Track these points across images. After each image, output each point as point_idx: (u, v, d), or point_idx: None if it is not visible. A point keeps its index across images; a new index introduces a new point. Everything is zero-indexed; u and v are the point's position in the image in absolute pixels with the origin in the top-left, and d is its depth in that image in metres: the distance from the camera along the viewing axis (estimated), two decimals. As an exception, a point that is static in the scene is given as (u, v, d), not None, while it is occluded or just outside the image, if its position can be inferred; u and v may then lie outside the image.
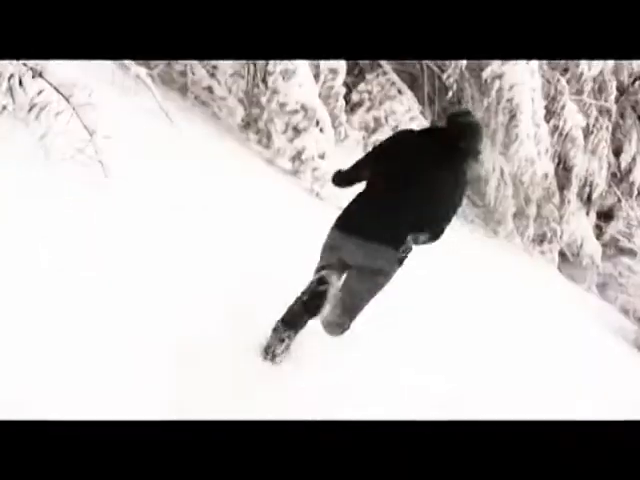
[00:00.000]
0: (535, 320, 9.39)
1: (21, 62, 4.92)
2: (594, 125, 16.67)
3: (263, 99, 9.64)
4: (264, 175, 8.85)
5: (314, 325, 4.69)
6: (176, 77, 9.94)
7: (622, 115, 18.51)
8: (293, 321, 4.62)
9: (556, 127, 15.25)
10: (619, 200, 18.65)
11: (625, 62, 16.51)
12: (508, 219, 15.20)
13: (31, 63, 4.94)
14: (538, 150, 14.11)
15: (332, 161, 9.55)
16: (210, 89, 10.12)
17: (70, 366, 3.44)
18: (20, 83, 5.08)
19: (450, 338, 6.53)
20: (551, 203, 16.35)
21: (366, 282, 4.51)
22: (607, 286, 16.94)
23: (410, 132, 4.76)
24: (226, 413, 3.57)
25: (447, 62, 13.56)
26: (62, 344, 3.51)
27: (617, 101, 17.57)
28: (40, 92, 5.10)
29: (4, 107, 4.99)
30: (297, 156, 9.45)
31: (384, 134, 13.11)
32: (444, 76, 13.75)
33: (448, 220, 4.53)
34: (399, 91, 13.64)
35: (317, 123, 9.40)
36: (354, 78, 14.05)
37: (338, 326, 4.70)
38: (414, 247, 4.50)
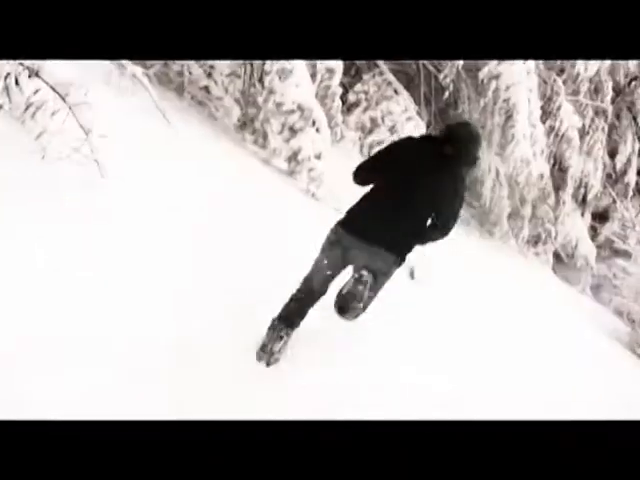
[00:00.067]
0: (529, 322, 9.39)
1: (17, 61, 4.91)
2: (590, 126, 16.68)
3: (259, 99, 9.62)
4: (260, 175, 8.84)
5: (314, 326, 4.71)
6: (173, 77, 9.91)
7: (618, 116, 18.53)
8: (290, 318, 4.69)
9: (552, 128, 15.25)
10: (614, 201, 18.68)
11: (621, 63, 16.51)
12: (503, 220, 15.20)
13: (27, 62, 4.93)
14: (534, 151, 14.11)
15: (328, 161, 9.55)
16: (207, 89, 10.10)
17: (69, 367, 3.45)
18: (16, 82, 5.08)
19: (445, 339, 6.54)
20: (546, 204, 16.34)
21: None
22: (601, 288, 16.95)
23: (412, 139, 4.85)
24: (225, 413, 3.57)
25: (443, 62, 13.55)
26: (60, 344, 3.51)
27: (613, 102, 17.58)
28: (36, 91, 5.09)
29: (0, 106, 4.99)
30: (293, 156, 9.43)
31: (380, 134, 13.12)
32: (440, 76, 13.72)
33: (448, 227, 4.75)
34: (395, 91, 13.62)
35: (313, 123, 9.39)
36: (351, 78, 14.04)
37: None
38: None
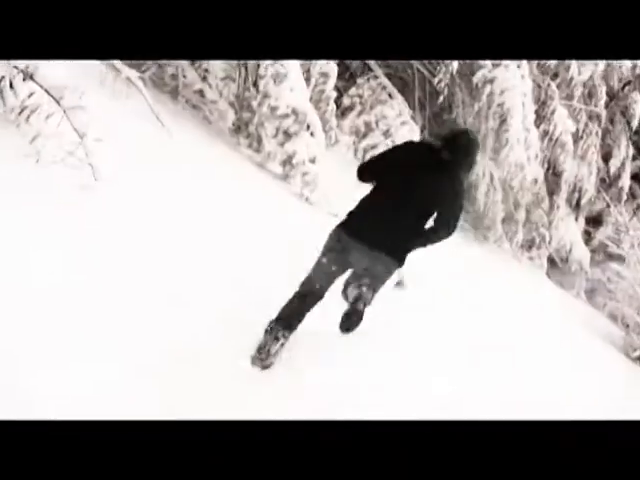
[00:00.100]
0: (524, 326, 9.40)
1: (12, 64, 4.91)
2: (584, 130, 16.71)
3: (254, 103, 9.63)
4: (254, 179, 8.84)
5: (313, 326, 4.73)
6: (167, 80, 9.92)
7: (612, 120, 18.56)
8: (288, 321, 4.66)
9: (546, 132, 15.27)
10: (608, 206, 18.69)
11: (615, 67, 16.55)
12: (497, 224, 15.21)
13: (22, 65, 4.93)
14: (528, 155, 14.13)
15: (322, 165, 9.55)
16: (201, 92, 10.11)
17: (67, 369, 3.45)
18: (11, 85, 5.08)
19: (442, 341, 6.54)
20: (540, 208, 16.37)
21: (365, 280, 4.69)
22: (596, 292, 16.96)
23: (413, 143, 5.22)
24: (224, 413, 3.57)
25: (438, 67, 13.57)
26: (56, 348, 3.51)
27: (607, 106, 17.61)
28: (31, 94, 5.09)
29: (-5, 109, 4.99)
30: (288, 160, 9.43)
31: (375, 139, 13.14)
32: (435, 81, 13.74)
33: (450, 228, 4.81)
34: (390, 95, 13.64)
35: (308, 127, 9.40)
36: (345, 82, 14.05)
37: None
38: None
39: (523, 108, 13.72)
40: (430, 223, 4.77)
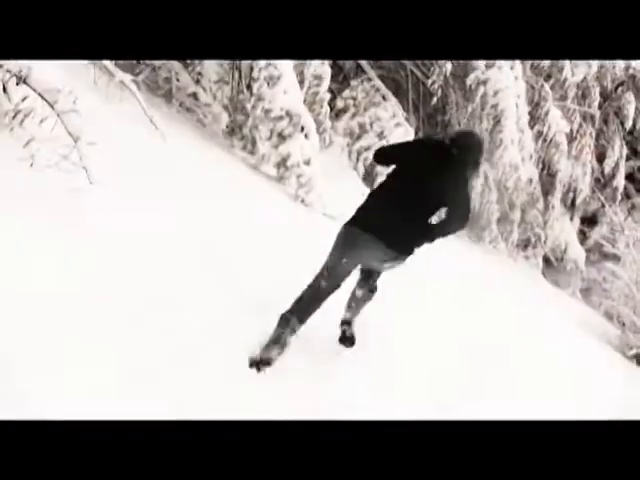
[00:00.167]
0: (519, 325, 9.39)
1: (5, 68, 4.90)
2: (578, 131, 16.75)
3: (248, 105, 9.64)
4: (249, 181, 8.84)
5: (314, 326, 4.75)
6: (161, 83, 9.94)
7: (605, 121, 18.60)
8: (300, 314, 4.70)
9: (540, 133, 15.31)
10: (603, 205, 18.74)
11: (609, 68, 16.58)
12: (493, 224, 15.23)
13: (15, 69, 4.92)
14: (522, 156, 14.17)
15: (317, 167, 9.56)
16: (195, 95, 10.13)
17: (69, 366, 3.45)
18: (4, 89, 5.06)
19: (439, 341, 6.54)
20: (535, 208, 16.41)
21: (379, 270, 5.08)
22: (591, 291, 16.97)
23: (423, 140, 5.65)
24: (224, 413, 3.57)
25: (431, 68, 13.59)
26: (57, 345, 3.51)
27: (600, 107, 17.66)
28: (24, 98, 5.08)
29: (-12, 113, 4.99)
30: (282, 162, 9.44)
31: (369, 140, 13.15)
32: (428, 82, 13.78)
33: (463, 219, 5.09)
34: (383, 97, 13.65)
35: (302, 129, 9.41)
36: (338, 84, 14.06)
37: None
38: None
39: (517, 109, 13.76)
40: (438, 218, 4.92)
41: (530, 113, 14.65)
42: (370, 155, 12.78)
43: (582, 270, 17.50)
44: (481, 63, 13.31)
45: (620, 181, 18.70)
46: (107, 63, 7.26)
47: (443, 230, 4.97)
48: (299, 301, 4.73)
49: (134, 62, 9.40)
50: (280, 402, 4.19)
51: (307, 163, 9.47)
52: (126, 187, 5.58)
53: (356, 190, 11.51)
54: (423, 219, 4.83)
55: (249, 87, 9.78)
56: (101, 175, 5.14)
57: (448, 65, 13.22)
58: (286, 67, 9.17)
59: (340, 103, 13.61)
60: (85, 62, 7.26)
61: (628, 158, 19.47)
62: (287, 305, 4.68)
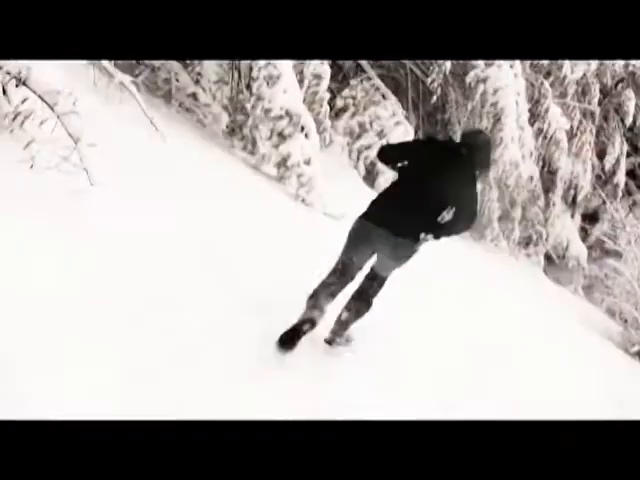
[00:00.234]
0: (521, 323, 9.40)
1: (4, 70, 4.90)
2: (578, 128, 16.71)
3: (248, 105, 9.63)
4: (249, 181, 8.84)
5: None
6: (160, 84, 9.93)
7: (605, 118, 18.56)
8: (321, 297, 4.97)
9: (540, 130, 15.27)
10: (604, 202, 18.71)
11: (608, 65, 16.55)
12: (494, 222, 15.22)
13: (15, 71, 4.92)
14: (522, 153, 14.14)
15: (317, 167, 9.56)
16: (194, 96, 10.12)
17: (69, 367, 3.45)
18: (4, 92, 5.07)
19: (441, 339, 6.55)
20: (536, 206, 16.39)
21: (390, 265, 5.17)
22: (593, 288, 16.93)
23: (431, 139, 5.71)
24: (225, 413, 3.57)
25: (431, 67, 13.58)
26: (58, 345, 3.51)
27: (600, 104, 17.62)
28: (24, 100, 5.09)
29: (-12, 116, 4.99)
30: (282, 162, 9.43)
31: (369, 139, 13.14)
32: (428, 81, 13.76)
33: (470, 221, 5.23)
34: (383, 96, 13.64)
35: (302, 129, 9.40)
36: (338, 84, 14.04)
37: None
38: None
39: (517, 107, 13.73)
40: (448, 217, 4.99)
41: (530, 111, 14.62)
42: (370, 154, 12.80)
43: (584, 267, 17.48)
44: (480, 61, 13.29)
45: (621, 178, 18.66)
46: (107, 64, 7.26)
47: (449, 230, 5.09)
48: (312, 297, 4.93)
49: (133, 63, 9.39)
50: (280, 402, 4.20)
51: (307, 163, 9.46)
52: (127, 188, 5.59)
53: (357, 189, 11.53)
54: (432, 217, 4.94)
55: (249, 87, 9.77)
56: (101, 176, 5.14)
57: (447, 63, 13.19)
58: (285, 66, 9.16)
59: (340, 102, 13.59)
60: (84, 63, 7.25)
61: (629, 155, 19.42)
62: (287, 305, 4.71)
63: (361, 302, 5.25)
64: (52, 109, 5.07)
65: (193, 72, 10.12)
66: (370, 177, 13.01)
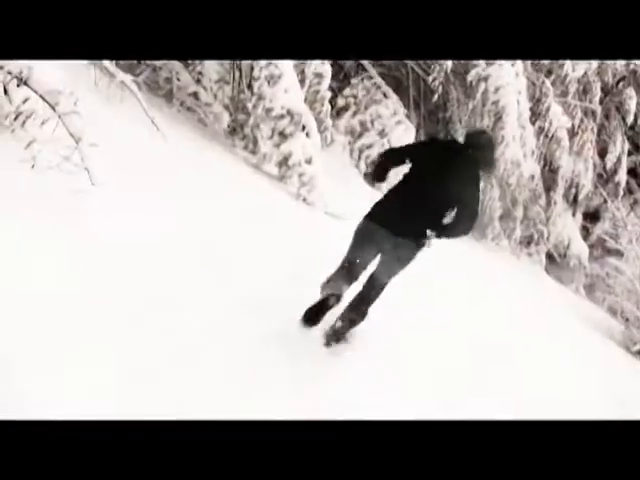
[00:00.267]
0: (523, 322, 9.39)
1: (6, 70, 4.90)
2: (579, 126, 16.70)
3: (249, 105, 9.62)
4: (251, 181, 8.84)
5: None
6: (161, 83, 9.92)
7: (607, 116, 18.55)
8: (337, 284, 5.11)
9: (541, 129, 15.26)
10: (605, 201, 18.69)
11: (609, 63, 16.53)
12: (495, 221, 15.22)
13: (16, 71, 4.92)
14: (524, 152, 14.14)
15: (319, 166, 9.56)
16: (196, 95, 10.12)
17: (69, 367, 3.46)
18: (5, 91, 5.07)
19: (442, 338, 6.55)
20: (537, 205, 16.37)
21: (392, 267, 5.19)
22: (594, 287, 16.92)
23: (436, 140, 5.92)
24: (225, 413, 3.57)
25: (432, 66, 13.57)
26: (54, 349, 3.52)
27: (601, 102, 17.60)
28: (25, 100, 5.08)
29: (-11, 115, 4.99)
30: (283, 161, 9.43)
31: (370, 138, 13.15)
32: (429, 79, 13.76)
33: (469, 224, 5.23)
34: (384, 95, 13.64)
35: (303, 128, 9.40)
36: (339, 83, 14.03)
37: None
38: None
39: (518, 105, 13.73)
40: (450, 219, 5.10)
41: (531, 109, 14.62)
42: (372, 153, 12.80)
43: (585, 266, 17.48)
44: (482, 60, 13.28)
45: (622, 176, 18.66)
46: (108, 64, 7.26)
47: (450, 231, 5.15)
48: (333, 275, 5.08)
49: (135, 63, 9.38)
50: (280, 402, 4.20)
51: (309, 162, 9.46)
52: (128, 187, 5.59)
53: (358, 188, 11.52)
54: (435, 218, 5.03)
55: (250, 86, 9.76)
56: (103, 176, 5.14)
57: (449, 62, 13.20)
58: (287, 66, 9.16)
59: (341, 101, 13.59)
60: (86, 63, 7.25)
61: (630, 153, 19.42)
62: (287, 305, 4.72)
63: (357, 313, 5.30)
64: (53, 109, 5.07)
65: (194, 71, 10.12)
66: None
